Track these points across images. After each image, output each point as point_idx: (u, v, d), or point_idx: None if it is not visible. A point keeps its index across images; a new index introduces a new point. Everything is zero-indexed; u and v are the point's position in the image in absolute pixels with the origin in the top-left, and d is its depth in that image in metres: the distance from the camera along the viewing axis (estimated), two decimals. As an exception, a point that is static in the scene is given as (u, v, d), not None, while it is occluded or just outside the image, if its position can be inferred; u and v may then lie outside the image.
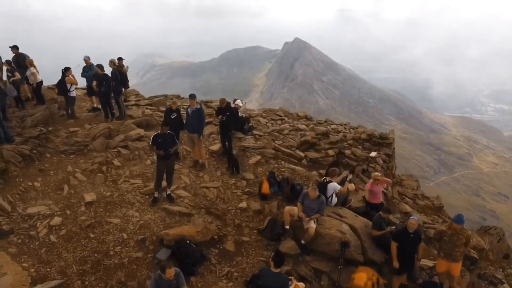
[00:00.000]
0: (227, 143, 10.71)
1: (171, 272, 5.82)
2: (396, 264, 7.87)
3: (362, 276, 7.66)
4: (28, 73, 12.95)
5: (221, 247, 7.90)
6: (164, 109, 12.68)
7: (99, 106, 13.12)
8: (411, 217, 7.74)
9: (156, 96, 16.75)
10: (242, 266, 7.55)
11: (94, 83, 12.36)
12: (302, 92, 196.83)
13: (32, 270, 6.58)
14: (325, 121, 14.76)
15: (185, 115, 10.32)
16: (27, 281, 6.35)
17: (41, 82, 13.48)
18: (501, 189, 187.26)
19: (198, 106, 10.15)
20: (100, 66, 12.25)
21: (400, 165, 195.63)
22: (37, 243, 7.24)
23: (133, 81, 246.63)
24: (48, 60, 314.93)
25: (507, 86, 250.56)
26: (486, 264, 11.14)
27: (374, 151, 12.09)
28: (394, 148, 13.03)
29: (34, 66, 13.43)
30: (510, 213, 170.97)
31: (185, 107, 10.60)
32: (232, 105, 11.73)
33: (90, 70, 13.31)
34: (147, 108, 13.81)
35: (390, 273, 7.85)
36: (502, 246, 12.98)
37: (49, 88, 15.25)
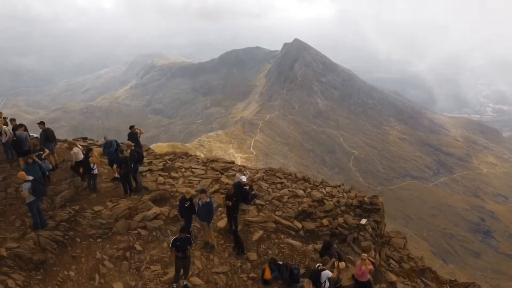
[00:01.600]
0: (234, 222, 12.16)
1: None
2: None
3: None
4: (72, 152, 14.12)
5: None
6: (176, 174, 14.09)
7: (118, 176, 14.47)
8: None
9: (166, 154, 18.07)
10: None
11: (115, 166, 13.67)
12: (301, 93, 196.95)
13: None
14: (321, 183, 16.15)
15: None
16: None
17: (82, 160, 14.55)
18: (500, 190, 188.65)
19: (208, 200, 11.55)
20: (121, 151, 13.55)
21: (400, 166, 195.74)
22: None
23: (133, 82, 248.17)
24: (48, 60, 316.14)
25: (506, 86, 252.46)
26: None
27: (365, 217, 13.54)
28: (383, 212, 14.46)
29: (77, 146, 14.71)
30: (509, 213, 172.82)
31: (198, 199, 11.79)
32: (236, 180, 13.16)
33: (111, 146, 14.63)
34: (159, 175, 15.23)
35: None
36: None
37: (72, 168, 16.19)
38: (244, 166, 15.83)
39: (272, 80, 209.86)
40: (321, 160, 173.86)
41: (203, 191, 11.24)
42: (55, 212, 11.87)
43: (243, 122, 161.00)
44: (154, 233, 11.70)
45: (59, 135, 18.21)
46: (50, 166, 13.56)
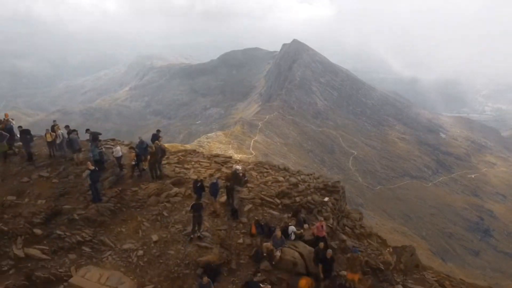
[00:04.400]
0: (232, 198, 17.37)
1: (206, 279, 12.55)
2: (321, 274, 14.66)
3: (304, 281, 14.43)
4: (116, 149, 19.34)
5: (229, 267, 14.54)
6: (187, 168, 19.45)
7: (146, 168, 19.55)
8: (328, 250, 14.45)
9: (179, 151, 23.43)
10: (240, 277, 14.19)
11: (148, 157, 18.82)
12: (300, 93, 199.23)
13: (135, 281, 13.34)
14: (298, 172, 21.41)
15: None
16: (135, 286, 13.20)
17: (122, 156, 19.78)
18: (499, 189, 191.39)
19: (215, 181, 16.81)
20: (150, 147, 18.79)
21: (399, 166, 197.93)
22: (133, 266, 13.95)
23: (132, 83, 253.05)
24: (48, 63, 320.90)
25: (505, 86, 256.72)
26: (394, 271, 18.01)
27: (327, 196, 18.78)
28: (343, 192, 19.70)
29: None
30: (507, 212, 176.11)
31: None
32: (233, 169, 18.39)
33: (143, 144, 19.69)
34: (176, 166, 20.48)
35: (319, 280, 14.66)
36: (413, 259, 19.77)
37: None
38: (239, 160, 21.02)
39: (271, 80, 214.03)
40: (320, 160, 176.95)
41: (212, 176, 16.46)
42: (106, 192, 17.21)
43: (243, 123, 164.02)
44: (175, 205, 16.99)
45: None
46: (120, 154, 18.84)
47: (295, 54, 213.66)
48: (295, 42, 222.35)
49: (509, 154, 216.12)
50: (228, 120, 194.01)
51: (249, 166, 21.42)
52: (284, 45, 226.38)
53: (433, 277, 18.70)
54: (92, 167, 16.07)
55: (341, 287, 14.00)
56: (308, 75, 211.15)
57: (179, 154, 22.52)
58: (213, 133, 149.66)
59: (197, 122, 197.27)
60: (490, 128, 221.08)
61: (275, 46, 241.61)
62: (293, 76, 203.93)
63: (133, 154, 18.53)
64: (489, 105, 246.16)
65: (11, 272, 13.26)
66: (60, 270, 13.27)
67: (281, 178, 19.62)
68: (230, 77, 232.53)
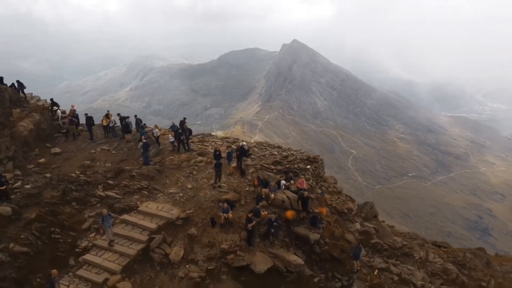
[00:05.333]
0: (240, 163, 25.23)
1: (225, 205, 20.51)
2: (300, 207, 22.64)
3: (289, 213, 22.42)
4: (155, 131, 27.11)
5: (240, 203, 22.28)
6: (206, 145, 27.54)
7: (176, 144, 27.36)
8: (305, 191, 22.34)
9: (198, 134, 31.44)
10: (247, 208, 22.00)
11: (171, 134, 26.66)
12: (300, 93, 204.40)
13: (180, 210, 21.32)
14: (288, 149, 29.28)
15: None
16: (180, 212, 21.21)
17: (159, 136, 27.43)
18: (498, 188, 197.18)
19: (230, 151, 24.73)
20: (178, 125, 26.69)
21: (398, 165, 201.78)
22: (177, 202, 21.79)
23: (132, 84, 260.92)
24: (48, 63, 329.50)
25: (504, 86, 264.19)
26: (356, 216, 26.04)
27: (309, 165, 26.69)
28: (322, 162, 27.66)
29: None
30: (506, 211, 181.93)
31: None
32: (240, 145, 26.31)
33: (175, 126, 27.48)
34: (198, 144, 28.33)
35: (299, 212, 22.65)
36: (372, 211, 27.75)
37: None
38: (244, 140, 29.02)
39: (271, 81, 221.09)
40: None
41: (229, 147, 24.47)
42: (151, 159, 25.22)
43: (243, 123, 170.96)
44: (201, 168, 24.81)
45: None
46: (158, 134, 26.61)
47: (295, 54, 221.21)
48: (295, 42, 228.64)
49: (507, 154, 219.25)
50: (228, 120, 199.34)
51: (252, 145, 29.42)
52: (284, 45, 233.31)
53: (388, 225, 26.64)
54: (145, 141, 24.06)
55: (314, 217, 21.97)
56: (308, 75, 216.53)
57: (199, 136, 30.48)
58: (214, 133, 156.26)
59: (198, 122, 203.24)
60: (489, 127, 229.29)
61: (275, 47, 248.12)
62: (293, 76, 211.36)
63: (171, 133, 26.48)
64: (489, 104, 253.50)
65: (98, 205, 21.16)
66: (131, 203, 21.29)
67: (275, 152, 27.48)
68: (230, 77, 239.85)
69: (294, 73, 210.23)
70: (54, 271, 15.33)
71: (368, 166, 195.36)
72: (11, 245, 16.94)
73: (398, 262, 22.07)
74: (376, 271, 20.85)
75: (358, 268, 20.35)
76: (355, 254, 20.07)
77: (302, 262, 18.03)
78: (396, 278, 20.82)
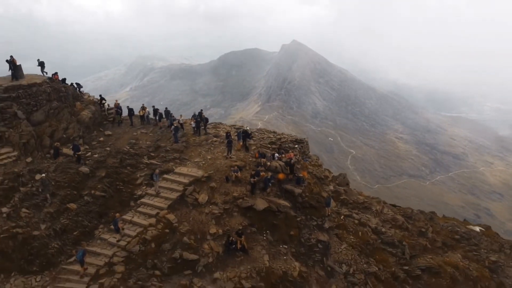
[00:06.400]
0: (245, 142, 35.21)
1: (235, 167, 30.60)
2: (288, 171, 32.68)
3: (280, 175, 32.47)
4: (180, 119, 37.27)
5: (245, 168, 32.25)
6: (219, 130, 37.79)
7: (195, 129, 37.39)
8: (292, 160, 32.35)
9: (212, 123, 41.72)
10: (249, 172, 32.01)
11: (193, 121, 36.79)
12: (299, 93, 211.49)
13: (203, 171, 31.38)
14: (282, 133, 39.33)
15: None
16: (204, 172, 31.31)
17: (183, 122, 37.72)
18: (496, 187, 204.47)
19: (239, 132, 34.85)
20: (198, 115, 36.88)
21: (396, 165, 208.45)
22: (201, 166, 31.80)
23: (133, 84, 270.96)
24: (49, 64, 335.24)
25: (504, 86, 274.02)
26: (331, 182, 36.22)
27: (297, 145, 36.78)
28: (307, 143, 37.80)
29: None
30: (504, 211, 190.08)
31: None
32: (244, 128, 36.37)
33: (195, 115, 37.59)
34: (212, 129, 38.36)
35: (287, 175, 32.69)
36: (345, 180, 37.89)
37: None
38: (247, 126, 39.14)
39: (270, 81, 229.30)
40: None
41: (238, 129, 34.56)
42: (179, 138, 35.42)
43: (242, 123, 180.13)
44: (216, 145, 34.97)
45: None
46: (182, 121, 36.82)
47: (294, 54, 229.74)
48: (294, 42, 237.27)
49: (506, 154, 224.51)
50: (228, 120, 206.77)
51: (253, 131, 39.74)
52: (283, 45, 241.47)
53: (357, 192, 36.60)
54: (176, 125, 34.34)
55: (298, 178, 32.06)
56: (307, 75, 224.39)
57: (213, 124, 40.82)
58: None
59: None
60: (487, 127, 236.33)
61: (275, 47, 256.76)
62: (292, 76, 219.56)
63: (193, 120, 36.76)
64: (488, 104, 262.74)
65: (145, 169, 31.26)
66: (168, 168, 31.43)
67: (271, 136, 37.71)
68: (230, 77, 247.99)
69: (294, 73, 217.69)
70: (117, 214, 24.42)
71: (367, 165, 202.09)
72: (92, 191, 26.93)
73: (360, 212, 32.16)
74: (342, 216, 30.94)
75: (329, 213, 30.33)
76: (326, 202, 30.03)
77: (289, 205, 28.03)
78: (356, 221, 30.79)
